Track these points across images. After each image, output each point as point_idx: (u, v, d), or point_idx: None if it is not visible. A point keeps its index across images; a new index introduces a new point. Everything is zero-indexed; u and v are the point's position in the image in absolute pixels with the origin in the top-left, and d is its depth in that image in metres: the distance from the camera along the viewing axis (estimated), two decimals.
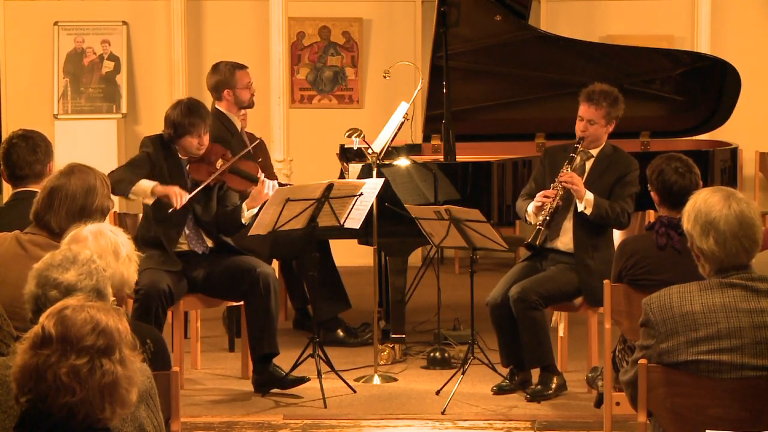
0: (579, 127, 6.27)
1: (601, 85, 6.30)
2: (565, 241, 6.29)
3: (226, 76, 7.20)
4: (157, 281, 6.01)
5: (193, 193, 6.19)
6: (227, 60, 7.38)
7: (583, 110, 6.24)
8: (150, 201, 6.17)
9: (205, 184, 6.25)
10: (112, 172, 6.09)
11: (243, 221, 6.26)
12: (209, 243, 6.37)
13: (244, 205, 6.26)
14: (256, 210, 6.25)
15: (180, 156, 6.32)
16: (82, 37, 10.18)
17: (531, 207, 6.23)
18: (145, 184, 6.14)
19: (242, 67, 7.29)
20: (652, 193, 5.13)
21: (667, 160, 5.12)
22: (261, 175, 6.36)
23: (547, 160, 6.42)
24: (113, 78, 10.19)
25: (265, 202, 6.18)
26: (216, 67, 7.29)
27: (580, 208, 6.16)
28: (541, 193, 6.21)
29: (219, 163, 6.33)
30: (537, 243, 6.14)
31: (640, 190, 6.28)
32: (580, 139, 6.26)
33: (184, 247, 6.31)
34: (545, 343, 6.12)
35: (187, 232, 6.32)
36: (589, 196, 6.15)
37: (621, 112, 6.28)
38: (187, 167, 6.31)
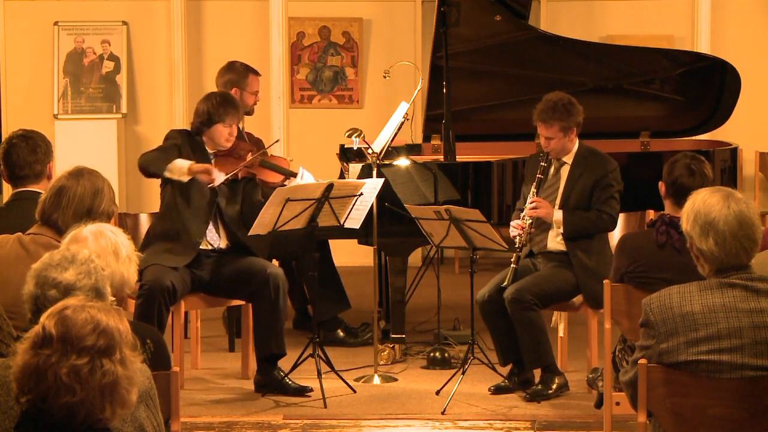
0: (542, 143, 6.33)
1: (551, 96, 6.28)
2: (554, 244, 6.30)
3: (238, 76, 7.24)
4: (161, 278, 6.01)
5: (232, 173, 6.21)
6: (242, 61, 7.39)
7: (539, 129, 6.29)
8: (186, 179, 6.14)
9: (243, 165, 6.28)
10: (144, 154, 6.26)
11: None
12: (223, 244, 6.36)
13: None
14: None
15: (207, 149, 6.32)
16: (82, 37, 10.18)
17: (511, 232, 6.29)
18: (182, 162, 6.14)
19: (256, 72, 7.34)
20: (660, 183, 5.12)
21: (686, 156, 5.12)
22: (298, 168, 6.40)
23: (528, 170, 6.47)
24: (113, 78, 10.19)
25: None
26: (231, 65, 7.33)
27: (556, 229, 6.21)
28: (513, 224, 6.27)
29: (248, 157, 6.34)
30: (508, 283, 6.15)
31: (623, 187, 6.31)
32: (546, 154, 6.30)
33: (202, 245, 6.30)
34: (544, 343, 6.12)
35: (210, 226, 6.33)
36: (558, 216, 6.20)
37: (580, 116, 6.26)
38: (213, 161, 6.31)
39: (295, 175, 6.46)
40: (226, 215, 6.34)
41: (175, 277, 6.08)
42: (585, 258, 6.18)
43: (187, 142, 6.29)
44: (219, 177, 6.13)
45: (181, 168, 6.12)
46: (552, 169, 6.35)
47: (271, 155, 6.52)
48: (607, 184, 6.24)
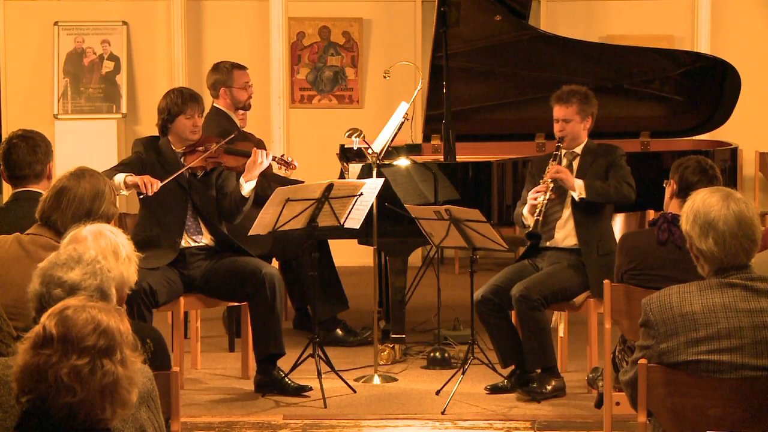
0: (557, 128, 6.38)
1: (569, 86, 6.44)
2: (561, 237, 6.31)
3: (223, 75, 7.28)
4: (138, 280, 5.96)
5: (171, 177, 6.16)
6: (228, 60, 7.45)
7: (557, 111, 6.37)
8: (127, 192, 6.18)
9: (188, 166, 6.25)
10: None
11: (244, 195, 6.27)
12: (208, 240, 6.36)
13: (241, 179, 6.28)
14: (254, 182, 6.28)
15: (174, 149, 6.31)
16: (82, 37, 10.19)
17: (526, 209, 6.29)
18: (118, 178, 6.12)
19: (241, 67, 7.34)
20: (672, 182, 5.09)
21: (697, 157, 5.12)
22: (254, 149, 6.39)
23: (534, 169, 6.50)
24: (113, 78, 10.19)
25: (265, 174, 6.27)
26: (216, 66, 7.39)
27: (575, 196, 6.21)
28: (531, 190, 6.27)
29: (214, 148, 6.33)
30: (538, 229, 6.18)
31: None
32: (560, 139, 6.36)
33: (184, 243, 6.31)
34: (547, 344, 6.12)
35: (187, 222, 6.32)
36: (580, 182, 6.24)
37: (595, 108, 6.40)
38: (183, 159, 6.31)
39: (247, 156, 6.38)
40: (202, 209, 6.33)
41: (153, 278, 6.03)
42: (596, 250, 6.20)
43: (152, 149, 6.29)
44: (153, 186, 6.07)
45: (118, 184, 6.10)
46: (564, 162, 6.37)
47: (237, 142, 6.50)
48: (621, 165, 6.34)
